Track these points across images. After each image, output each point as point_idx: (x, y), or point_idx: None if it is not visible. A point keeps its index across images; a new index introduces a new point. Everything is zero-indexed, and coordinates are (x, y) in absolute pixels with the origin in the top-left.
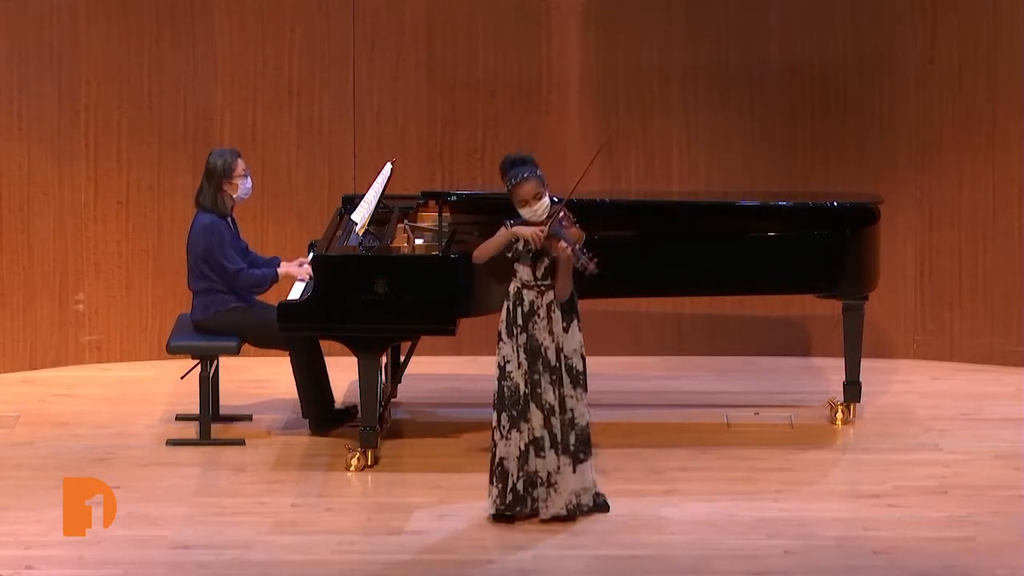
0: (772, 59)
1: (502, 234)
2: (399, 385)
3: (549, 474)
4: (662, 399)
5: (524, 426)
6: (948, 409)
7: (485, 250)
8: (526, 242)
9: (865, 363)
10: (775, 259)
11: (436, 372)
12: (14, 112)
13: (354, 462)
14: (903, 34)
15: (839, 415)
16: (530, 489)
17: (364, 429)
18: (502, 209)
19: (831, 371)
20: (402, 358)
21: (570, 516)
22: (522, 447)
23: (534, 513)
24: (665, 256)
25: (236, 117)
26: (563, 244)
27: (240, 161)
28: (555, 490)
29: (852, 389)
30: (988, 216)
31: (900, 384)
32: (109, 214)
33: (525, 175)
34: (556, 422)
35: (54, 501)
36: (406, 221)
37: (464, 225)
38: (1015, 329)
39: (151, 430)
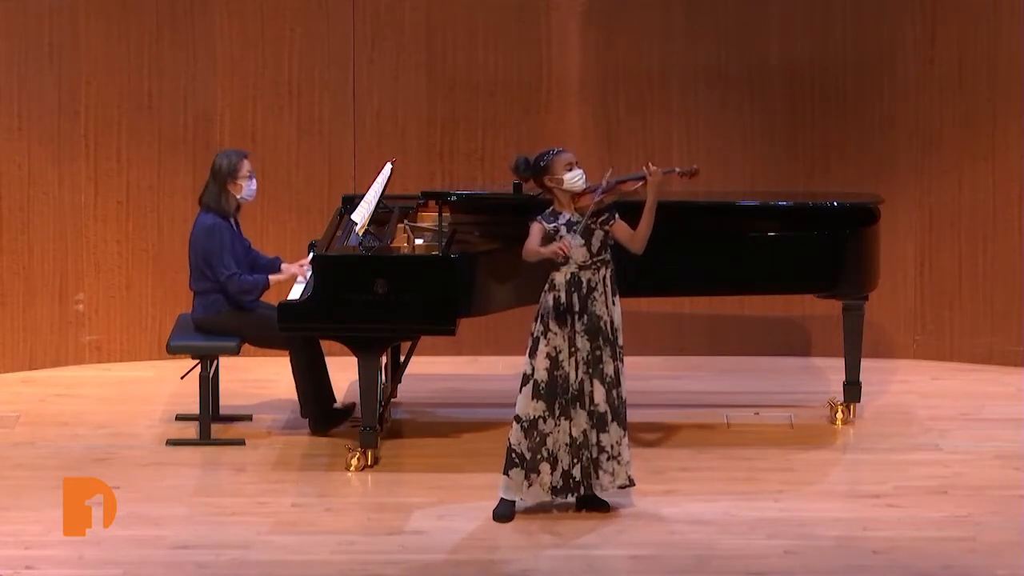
0: (772, 59)
1: (550, 249)
2: (399, 385)
3: (613, 446)
4: (662, 399)
5: (575, 414)
6: (948, 409)
7: (533, 255)
8: (571, 225)
9: (865, 363)
10: (775, 259)
11: (436, 372)
12: (14, 112)
13: (354, 462)
14: (903, 34)
15: (839, 415)
16: (591, 471)
17: (364, 429)
18: (502, 209)
19: (831, 371)
20: (402, 358)
21: (632, 484)
22: (573, 434)
23: (588, 490)
24: (665, 256)
25: (236, 117)
26: (649, 167)
27: (246, 162)
28: (619, 462)
29: (852, 389)
30: (988, 216)
31: (900, 384)
32: (109, 214)
33: (558, 148)
34: (615, 395)
35: (54, 501)
36: (406, 221)
37: (464, 225)
38: (1015, 329)
39: (151, 430)
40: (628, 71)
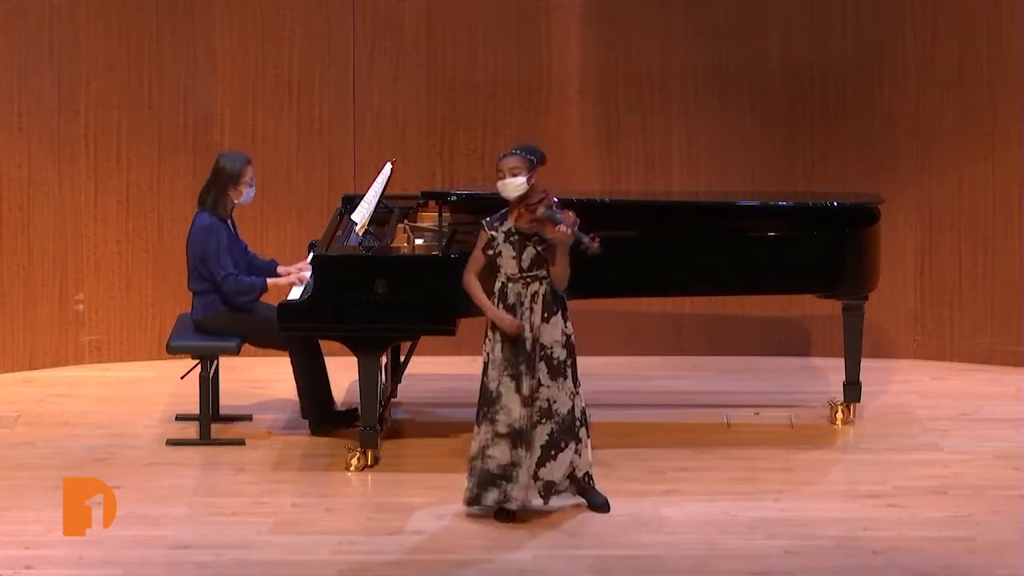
0: (772, 59)
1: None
2: (399, 385)
3: (518, 464)
4: (662, 399)
5: (496, 419)
6: (948, 409)
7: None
8: (509, 234)
9: (865, 363)
10: (775, 259)
11: (436, 372)
12: (14, 112)
13: (354, 462)
14: (903, 34)
15: (839, 415)
16: (498, 480)
17: (364, 429)
18: (502, 210)
19: (831, 371)
20: (402, 358)
21: (546, 500)
22: (488, 440)
23: (503, 503)
24: (665, 256)
25: (236, 117)
26: (561, 227)
27: (249, 168)
28: (518, 482)
29: (852, 389)
30: (988, 216)
31: (900, 384)
32: (109, 214)
33: (510, 151)
34: (526, 413)
35: (54, 501)
36: (406, 221)
37: (464, 225)
38: (1015, 329)
39: (151, 430)
40: (628, 71)
